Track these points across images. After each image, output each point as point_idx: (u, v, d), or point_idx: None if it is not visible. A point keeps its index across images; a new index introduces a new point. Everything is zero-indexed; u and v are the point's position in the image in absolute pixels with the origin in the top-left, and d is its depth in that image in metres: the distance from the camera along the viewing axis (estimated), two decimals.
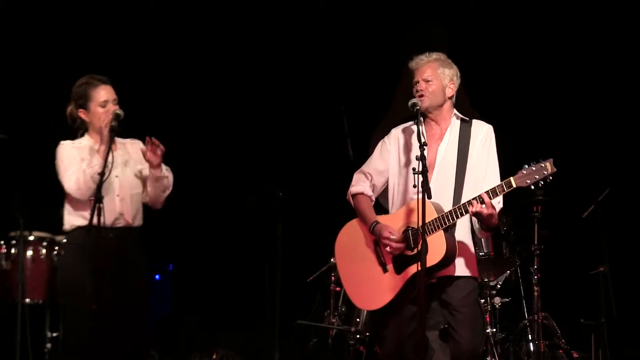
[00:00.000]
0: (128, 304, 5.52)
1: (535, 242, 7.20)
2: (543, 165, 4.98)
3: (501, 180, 5.16)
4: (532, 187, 5.00)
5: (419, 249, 4.96)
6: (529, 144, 7.89)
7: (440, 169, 5.27)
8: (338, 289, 7.45)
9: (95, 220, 5.20)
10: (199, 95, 8.94)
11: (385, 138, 5.53)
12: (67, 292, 5.63)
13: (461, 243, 5.22)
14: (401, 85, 5.42)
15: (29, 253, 7.42)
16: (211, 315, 9.01)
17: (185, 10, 8.80)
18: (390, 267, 5.23)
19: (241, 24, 8.86)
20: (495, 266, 7.27)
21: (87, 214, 5.45)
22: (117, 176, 5.59)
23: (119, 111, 5.50)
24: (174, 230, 8.70)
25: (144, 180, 5.70)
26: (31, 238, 7.45)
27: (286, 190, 7.79)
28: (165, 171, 5.61)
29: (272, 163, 8.68)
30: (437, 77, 5.29)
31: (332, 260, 7.39)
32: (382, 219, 5.35)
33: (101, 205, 5.23)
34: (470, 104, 6.78)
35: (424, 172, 4.93)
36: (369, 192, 5.47)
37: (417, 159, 4.97)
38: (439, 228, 5.09)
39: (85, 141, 5.71)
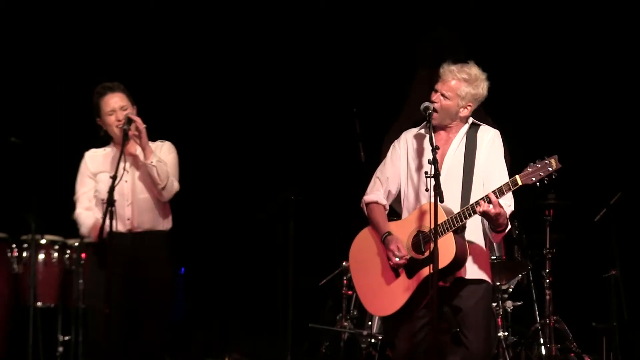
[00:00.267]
0: (143, 308, 5.53)
1: (547, 246, 7.20)
2: (548, 161, 4.96)
3: (511, 193, 5.16)
4: (538, 184, 4.99)
5: (430, 251, 4.96)
6: (540, 148, 7.84)
7: (448, 173, 5.25)
8: (350, 292, 7.46)
9: (107, 224, 5.22)
10: (213, 99, 8.94)
11: (396, 142, 5.52)
12: (87, 296, 5.67)
13: (473, 246, 5.21)
14: (414, 88, 5.41)
15: (41, 256, 7.47)
16: (224, 320, 9.02)
17: (200, 16, 8.82)
18: (402, 272, 5.23)
19: (255, 30, 8.86)
20: (507, 270, 7.26)
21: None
22: (126, 181, 5.58)
23: (130, 115, 5.52)
24: (186, 234, 8.70)
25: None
26: (43, 241, 7.48)
27: (298, 193, 7.79)
28: (156, 162, 5.52)
29: (283, 166, 8.68)
30: (455, 96, 5.22)
31: (344, 263, 7.40)
32: (394, 224, 5.34)
33: (113, 208, 5.25)
34: (481, 106, 6.78)
35: (437, 176, 4.92)
36: (383, 200, 5.45)
37: (429, 162, 4.97)
38: (448, 230, 5.08)
39: (109, 149, 5.75)
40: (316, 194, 8.27)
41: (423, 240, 5.15)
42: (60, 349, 7.41)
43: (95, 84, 5.79)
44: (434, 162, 4.95)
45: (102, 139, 5.78)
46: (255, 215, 8.10)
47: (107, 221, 5.25)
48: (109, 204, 5.25)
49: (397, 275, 5.24)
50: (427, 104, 5.21)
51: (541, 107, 8.23)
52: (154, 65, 8.56)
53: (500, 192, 5.00)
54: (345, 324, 7.42)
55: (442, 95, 5.23)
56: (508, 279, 7.34)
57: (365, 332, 7.17)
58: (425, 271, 5.05)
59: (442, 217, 5.05)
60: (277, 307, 8.17)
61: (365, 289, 5.42)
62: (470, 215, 5.05)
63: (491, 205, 4.96)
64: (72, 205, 5.81)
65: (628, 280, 7.41)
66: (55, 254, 7.47)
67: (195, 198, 8.65)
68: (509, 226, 5.17)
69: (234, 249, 8.91)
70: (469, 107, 5.28)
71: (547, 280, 7.16)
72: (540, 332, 7.19)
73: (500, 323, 7.06)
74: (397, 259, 5.16)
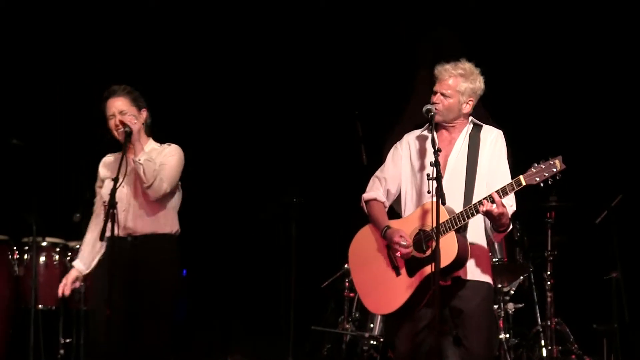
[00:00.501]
0: (144, 311, 5.52)
1: (549, 248, 7.21)
2: (552, 162, 4.96)
3: (513, 194, 5.16)
4: (542, 184, 4.99)
5: (432, 250, 4.96)
6: (542, 150, 7.87)
7: (450, 174, 5.25)
8: (352, 294, 7.46)
9: (109, 228, 5.23)
10: (216, 102, 8.95)
11: (397, 144, 5.52)
12: (90, 298, 5.68)
13: (475, 247, 5.19)
14: (415, 90, 5.41)
15: (42, 259, 7.45)
16: (225, 321, 9.02)
17: (202, 19, 8.83)
18: (403, 270, 5.22)
19: (257, 33, 8.87)
20: (508, 272, 7.27)
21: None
22: (124, 186, 5.57)
23: (127, 121, 5.53)
24: (188, 236, 8.70)
25: None
26: (44, 244, 7.47)
27: (300, 196, 7.79)
28: (143, 161, 5.49)
29: (286, 168, 8.68)
30: (455, 93, 5.24)
31: (346, 266, 7.40)
32: (394, 223, 5.33)
33: (115, 211, 5.25)
34: (483, 106, 6.78)
35: (439, 178, 4.92)
36: (382, 198, 5.45)
37: (431, 164, 4.97)
38: (450, 229, 5.08)
39: (120, 154, 5.77)
40: (318, 196, 8.28)
41: (425, 239, 5.14)
42: (62, 351, 7.40)
43: (96, 86, 5.80)
44: (436, 164, 4.95)
45: (115, 143, 5.79)
46: (257, 215, 8.10)
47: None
48: (110, 206, 5.25)
49: (398, 273, 5.23)
50: (429, 106, 5.21)
51: (542, 109, 8.24)
52: (156, 67, 8.57)
53: (503, 192, 4.99)
54: (347, 326, 7.42)
55: (442, 94, 5.24)
56: (509, 281, 7.35)
57: (367, 334, 7.17)
58: (427, 270, 5.04)
59: (444, 216, 5.05)
60: (279, 308, 8.17)
61: (365, 286, 5.41)
62: (473, 215, 5.04)
63: (494, 205, 4.97)
64: (72, 207, 5.82)
65: (629, 282, 7.42)
66: (57, 256, 7.46)
67: (197, 200, 8.65)
68: (511, 226, 5.17)
69: (236, 250, 8.91)
70: (470, 102, 5.29)
71: (549, 283, 7.18)
72: (542, 334, 7.22)
73: (501, 325, 7.07)
74: (404, 249, 5.15)
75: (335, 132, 8.50)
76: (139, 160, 5.46)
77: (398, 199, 5.49)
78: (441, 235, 5.02)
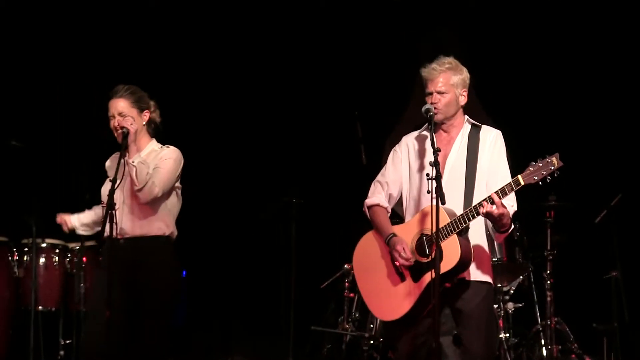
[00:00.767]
0: (140, 312, 5.53)
1: (548, 248, 7.21)
2: (549, 160, 4.96)
3: (514, 194, 5.17)
4: (540, 182, 4.99)
5: (434, 256, 4.96)
6: (541, 150, 7.88)
7: (450, 175, 5.26)
8: (352, 295, 7.47)
9: (107, 228, 5.23)
10: (216, 102, 8.96)
11: (396, 146, 5.52)
12: (87, 299, 5.69)
13: (476, 248, 5.20)
14: (415, 92, 5.41)
15: (42, 260, 7.44)
16: (225, 322, 9.02)
17: (202, 19, 8.84)
18: (407, 276, 5.23)
19: (257, 33, 8.87)
20: (508, 272, 7.27)
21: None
22: (117, 187, 5.57)
23: (123, 124, 5.54)
24: (188, 237, 8.70)
25: None
26: (44, 245, 7.46)
27: (300, 196, 7.79)
28: (137, 163, 5.49)
29: (285, 169, 8.69)
30: (450, 88, 5.25)
31: (345, 266, 7.40)
32: (397, 228, 5.33)
33: (114, 212, 5.26)
34: (482, 108, 6.79)
35: (438, 178, 4.93)
36: (385, 203, 5.45)
37: (430, 164, 4.97)
38: (452, 232, 5.09)
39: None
40: (318, 196, 8.28)
41: (427, 244, 5.15)
42: (62, 352, 7.40)
43: (96, 86, 5.81)
44: (436, 164, 4.95)
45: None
46: (257, 216, 8.10)
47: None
48: (109, 207, 5.25)
49: (403, 279, 5.24)
50: (428, 106, 5.22)
51: (541, 108, 8.24)
52: (156, 68, 8.57)
53: (503, 192, 5.00)
54: (347, 326, 7.42)
55: (438, 92, 5.25)
56: (509, 280, 7.35)
57: (366, 335, 7.17)
58: (430, 275, 5.05)
59: (445, 220, 5.06)
60: (279, 309, 8.17)
61: (370, 293, 5.41)
62: (473, 217, 5.05)
63: (494, 206, 4.97)
64: (73, 209, 5.83)
65: (628, 281, 7.43)
66: (56, 258, 7.45)
67: (197, 201, 8.65)
68: (512, 226, 5.17)
69: (236, 251, 8.91)
70: (464, 93, 5.31)
71: (548, 282, 7.18)
72: (542, 334, 7.21)
73: (501, 324, 7.07)
74: (404, 261, 5.17)
75: (335, 132, 8.51)
76: (132, 162, 5.47)
77: (400, 200, 5.51)
78: (443, 239, 5.04)
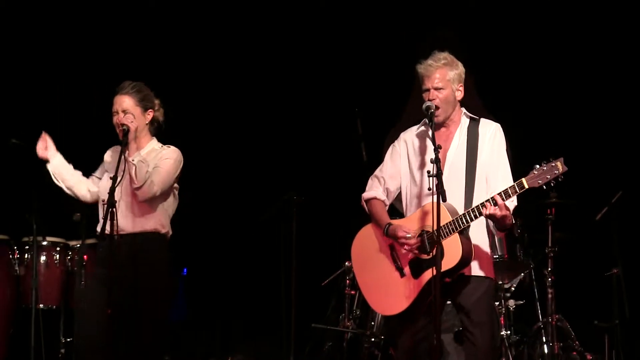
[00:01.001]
0: (137, 310, 5.53)
1: (549, 245, 7.20)
2: (554, 164, 4.97)
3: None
4: (544, 186, 4.99)
5: (434, 253, 4.97)
6: (542, 146, 7.89)
7: (450, 170, 5.26)
8: (353, 292, 7.46)
9: (108, 226, 5.23)
10: (216, 100, 8.97)
11: (395, 142, 5.53)
12: (77, 296, 5.71)
13: (477, 244, 5.21)
14: (414, 90, 5.41)
15: (43, 258, 7.45)
16: (226, 320, 9.02)
17: (202, 17, 8.84)
18: (407, 271, 5.23)
19: (257, 31, 8.88)
20: (509, 269, 7.27)
21: (100, 220, 5.58)
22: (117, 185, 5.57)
23: (125, 122, 5.55)
24: (189, 235, 8.71)
25: None
26: (45, 243, 7.46)
27: (300, 194, 7.79)
28: (137, 162, 5.52)
29: (286, 166, 8.69)
30: (447, 83, 5.26)
31: (346, 263, 7.40)
32: (396, 223, 5.34)
33: (114, 210, 5.26)
34: (483, 106, 6.78)
35: (439, 175, 4.93)
36: (382, 196, 5.46)
37: (431, 161, 4.97)
38: (454, 231, 5.09)
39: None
40: (318, 194, 8.28)
41: (428, 241, 5.15)
42: (63, 350, 7.40)
43: (95, 85, 5.81)
44: (437, 161, 4.95)
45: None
46: (257, 216, 8.09)
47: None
48: (110, 205, 5.25)
49: (402, 274, 5.24)
50: (428, 103, 5.22)
51: (542, 105, 8.24)
52: (155, 67, 8.56)
53: (506, 194, 5.00)
54: (348, 323, 7.41)
55: (436, 89, 5.25)
56: (510, 277, 7.35)
57: (368, 332, 7.17)
58: (430, 271, 5.04)
59: (446, 218, 5.07)
60: (279, 307, 8.16)
61: (369, 287, 5.42)
62: (476, 217, 5.05)
63: (497, 208, 4.97)
64: (73, 207, 5.82)
65: (630, 278, 7.41)
66: (57, 256, 7.46)
67: (197, 199, 8.66)
68: (513, 221, 5.18)
69: (237, 249, 8.92)
70: (461, 88, 5.32)
71: (549, 279, 7.17)
72: (543, 331, 7.21)
73: (502, 322, 7.07)
74: (412, 241, 5.14)
75: (336, 129, 8.51)
76: (132, 160, 5.48)
77: (399, 197, 5.50)
78: (444, 237, 5.05)
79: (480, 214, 5.04)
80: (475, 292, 5.21)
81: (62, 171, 5.84)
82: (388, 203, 5.49)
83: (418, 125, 5.44)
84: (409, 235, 5.17)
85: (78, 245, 7.48)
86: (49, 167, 5.85)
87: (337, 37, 8.71)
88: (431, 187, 4.94)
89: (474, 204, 5.12)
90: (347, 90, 8.59)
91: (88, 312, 5.54)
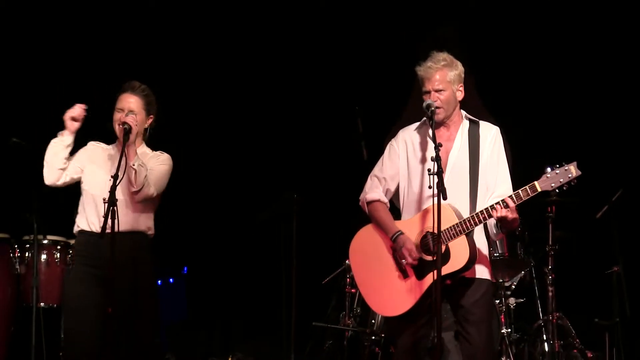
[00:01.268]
0: (138, 309, 5.54)
1: (550, 243, 7.20)
2: (567, 168, 4.98)
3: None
4: (557, 190, 5.00)
5: (442, 253, 4.97)
6: (543, 145, 7.91)
7: (454, 171, 5.26)
8: (353, 290, 7.46)
9: (109, 224, 5.23)
10: (217, 99, 8.97)
11: (393, 140, 5.52)
12: (64, 296, 5.71)
13: (477, 246, 5.22)
14: (414, 91, 5.41)
15: (43, 257, 7.43)
16: (227, 319, 9.02)
17: (202, 13, 8.83)
18: (411, 273, 5.22)
19: (257, 29, 8.87)
20: (509, 267, 7.28)
21: (93, 217, 5.60)
22: (108, 182, 5.56)
23: (126, 122, 5.55)
24: (189, 234, 8.71)
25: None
26: (45, 242, 7.45)
27: (301, 192, 7.79)
28: (137, 166, 5.54)
29: (286, 165, 8.69)
30: (447, 84, 5.26)
31: (347, 262, 7.39)
32: (400, 224, 5.34)
33: (115, 209, 5.26)
34: (483, 105, 6.79)
35: (439, 173, 4.93)
36: (385, 198, 5.45)
37: (432, 160, 4.97)
38: (461, 233, 5.09)
39: (111, 147, 5.84)
40: (319, 192, 8.28)
41: (433, 242, 5.13)
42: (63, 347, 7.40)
43: (95, 84, 5.80)
44: (437, 159, 4.95)
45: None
46: (256, 217, 8.10)
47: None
48: (111, 203, 5.25)
49: (406, 275, 5.23)
50: (429, 101, 5.22)
51: (542, 105, 8.24)
52: (155, 65, 8.56)
53: (517, 197, 5.01)
54: (349, 322, 7.41)
55: (437, 90, 5.24)
56: (511, 276, 7.36)
57: (368, 330, 7.17)
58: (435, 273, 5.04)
59: (452, 219, 5.07)
60: (280, 305, 8.16)
61: (370, 287, 5.41)
62: (485, 219, 5.06)
63: (509, 210, 4.97)
64: (73, 205, 5.82)
65: (630, 276, 7.42)
66: (58, 254, 7.44)
67: (198, 198, 8.66)
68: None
69: (237, 248, 8.92)
70: (461, 89, 5.32)
71: (550, 277, 7.16)
72: (543, 329, 7.20)
73: (503, 320, 7.07)
74: (412, 261, 5.15)
75: (336, 128, 8.50)
76: (133, 165, 5.49)
77: (396, 194, 5.50)
78: (451, 239, 5.06)
79: (490, 216, 5.04)
80: (474, 293, 5.23)
81: (64, 152, 5.78)
82: (389, 205, 5.49)
83: (418, 124, 5.44)
84: (413, 256, 5.16)
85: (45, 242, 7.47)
86: (60, 138, 5.80)
87: (337, 36, 8.71)
88: (432, 185, 4.94)
89: (478, 206, 5.13)
90: (348, 89, 8.59)
91: (83, 312, 5.55)
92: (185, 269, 9.06)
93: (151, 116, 5.75)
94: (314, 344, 7.96)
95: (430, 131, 5.17)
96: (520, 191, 5.02)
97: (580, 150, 7.58)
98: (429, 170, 5.00)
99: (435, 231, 5.04)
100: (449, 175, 5.22)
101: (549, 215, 7.22)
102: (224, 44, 8.93)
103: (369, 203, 5.47)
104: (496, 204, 5.01)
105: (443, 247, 5.03)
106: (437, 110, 5.22)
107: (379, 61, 8.62)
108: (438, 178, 4.92)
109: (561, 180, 4.98)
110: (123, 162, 5.41)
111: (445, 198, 4.92)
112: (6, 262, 7.31)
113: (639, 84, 8.00)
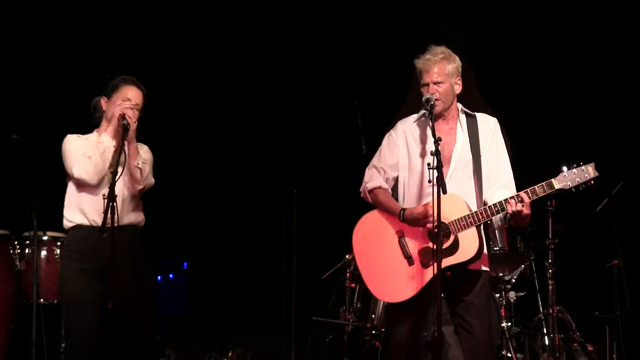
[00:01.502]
0: (139, 303, 5.55)
1: (550, 236, 7.20)
2: (584, 168, 5.01)
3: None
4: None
5: (450, 244, 4.99)
6: (544, 139, 7.91)
7: (459, 165, 5.27)
8: (353, 285, 7.46)
9: (109, 219, 5.24)
10: (216, 94, 8.98)
11: (392, 131, 5.53)
12: (63, 292, 5.71)
13: None
14: (413, 85, 5.42)
15: (43, 253, 7.43)
16: (227, 314, 9.02)
17: (200, 9, 8.83)
18: (416, 260, 5.22)
19: (256, 23, 8.87)
20: (509, 261, 7.27)
21: (89, 212, 5.60)
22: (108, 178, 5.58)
23: (130, 115, 5.56)
24: (189, 228, 8.72)
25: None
26: (45, 238, 7.45)
27: (300, 187, 7.79)
28: (141, 164, 5.59)
29: (286, 159, 8.69)
30: (446, 77, 5.27)
31: (347, 256, 7.39)
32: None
33: (115, 204, 5.26)
34: (482, 97, 6.78)
35: (439, 168, 4.93)
36: (386, 185, 5.46)
37: (432, 154, 4.97)
38: (471, 225, 5.09)
39: (93, 137, 5.80)
40: (318, 187, 8.28)
41: (443, 230, 5.13)
42: (64, 345, 7.39)
43: (95, 81, 5.81)
44: (437, 153, 4.95)
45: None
46: (256, 212, 8.10)
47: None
48: (111, 199, 5.26)
49: (411, 262, 5.23)
50: (428, 95, 5.22)
51: (542, 97, 8.24)
52: (154, 61, 8.57)
53: (533, 192, 5.01)
54: (349, 316, 7.41)
55: (435, 83, 5.25)
56: (511, 269, 7.36)
57: (368, 325, 7.17)
58: (443, 261, 5.03)
59: (463, 210, 5.08)
60: (280, 300, 8.17)
61: (371, 272, 5.40)
62: (498, 213, 5.07)
63: (523, 205, 4.98)
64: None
65: (630, 270, 7.42)
66: (58, 251, 7.43)
67: (197, 192, 8.66)
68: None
69: (237, 243, 8.92)
70: (459, 82, 5.34)
71: (550, 271, 7.16)
72: (544, 322, 7.22)
73: (503, 314, 7.07)
74: (430, 219, 5.10)
75: (335, 122, 8.50)
76: (137, 164, 5.53)
77: (395, 186, 5.50)
78: (461, 229, 5.07)
79: (503, 209, 5.04)
80: (473, 284, 5.24)
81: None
82: (390, 192, 5.49)
83: (416, 116, 5.44)
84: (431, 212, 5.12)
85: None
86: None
87: (336, 30, 8.71)
88: (431, 179, 4.94)
89: (484, 198, 5.14)
90: (347, 83, 8.59)
91: (84, 308, 5.55)
92: (185, 264, 9.06)
93: (141, 113, 5.76)
94: (314, 338, 7.97)
95: (430, 124, 5.17)
96: (536, 187, 5.03)
97: (580, 142, 7.63)
98: (428, 164, 4.99)
99: (445, 221, 5.05)
100: (454, 169, 5.23)
101: (549, 209, 7.22)
102: (223, 39, 8.93)
103: (371, 191, 5.48)
104: (510, 198, 5.02)
105: (452, 237, 5.03)
106: (436, 102, 5.22)
107: (378, 56, 8.62)
108: (438, 172, 4.92)
109: (578, 180, 5.01)
110: (122, 158, 5.43)
111: (445, 192, 4.92)
112: (6, 259, 7.31)
113: (638, 78, 7.99)
